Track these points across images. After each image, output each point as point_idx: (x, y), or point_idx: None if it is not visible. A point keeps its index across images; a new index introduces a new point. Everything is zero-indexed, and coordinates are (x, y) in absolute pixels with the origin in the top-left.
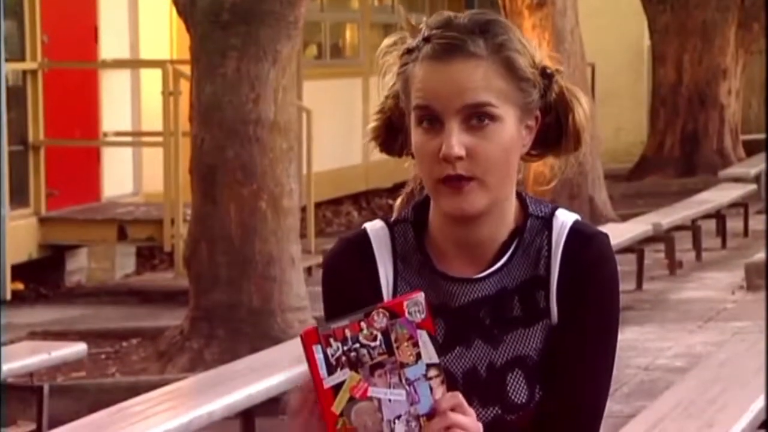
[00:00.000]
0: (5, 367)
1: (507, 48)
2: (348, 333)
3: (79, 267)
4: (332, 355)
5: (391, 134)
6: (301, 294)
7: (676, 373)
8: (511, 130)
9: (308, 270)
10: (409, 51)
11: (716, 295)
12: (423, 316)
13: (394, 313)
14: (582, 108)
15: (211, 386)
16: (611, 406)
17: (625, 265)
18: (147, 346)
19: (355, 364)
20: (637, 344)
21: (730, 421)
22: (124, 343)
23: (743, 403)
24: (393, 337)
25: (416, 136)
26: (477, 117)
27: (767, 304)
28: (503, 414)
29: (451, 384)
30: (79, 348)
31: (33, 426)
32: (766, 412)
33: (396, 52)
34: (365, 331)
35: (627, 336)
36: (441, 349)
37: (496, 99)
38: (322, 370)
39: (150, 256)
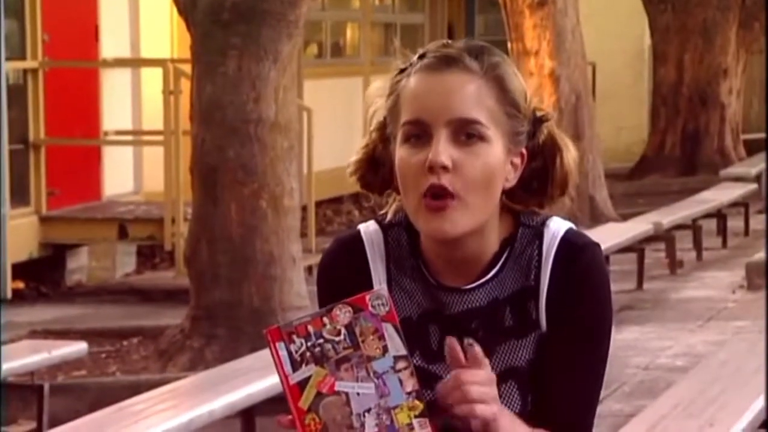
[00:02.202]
0: (6, 366)
1: (500, 68)
2: (311, 329)
3: (79, 266)
4: (296, 352)
5: (372, 168)
6: (301, 293)
7: (677, 373)
8: (498, 154)
9: (309, 269)
10: (402, 70)
11: (717, 294)
12: (387, 309)
13: (358, 308)
14: (570, 153)
15: (212, 385)
16: (611, 405)
17: (626, 264)
18: (148, 345)
19: (320, 360)
20: (637, 343)
21: (731, 421)
22: (125, 342)
23: (744, 402)
24: (357, 331)
25: (402, 152)
26: (466, 134)
27: (767, 303)
28: None
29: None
30: (79, 347)
31: (33, 425)
32: (766, 411)
33: (383, 98)
34: (328, 326)
35: (627, 335)
36: (436, 356)
37: (486, 119)
38: (287, 367)
39: (151, 255)
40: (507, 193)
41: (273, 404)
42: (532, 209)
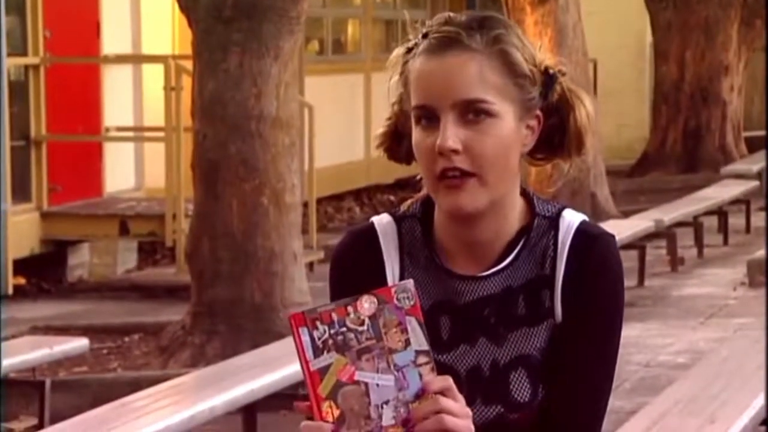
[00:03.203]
0: (7, 362)
1: (503, 41)
2: (335, 317)
3: (81, 262)
4: (318, 338)
5: (396, 140)
6: (303, 289)
7: (678, 370)
8: (509, 126)
9: (310, 265)
10: (408, 50)
11: (718, 291)
12: (412, 302)
13: (383, 299)
14: (585, 109)
15: (213, 381)
16: (612, 402)
17: (627, 261)
18: (149, 341)
19: (341, 348)
20: (638, 341)
21: (732, 418)
22: (126, 338)
23: (745, 399)
24: (381, 323)
25: (415, 134)
26: (473, 112)
27: (767, 301)
28: (506, 412)
29: (454, 381)
30: (81, 343)
31: (35, 421)
32: (767, 408)
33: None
34: (352, 316)
35: (629, 332)
36: (446, 346)
37: (492, 95)
38: (308, 353)
39: (152, 251)
40: (529, 152)
41: (274, 400)
42: (547, 199)
